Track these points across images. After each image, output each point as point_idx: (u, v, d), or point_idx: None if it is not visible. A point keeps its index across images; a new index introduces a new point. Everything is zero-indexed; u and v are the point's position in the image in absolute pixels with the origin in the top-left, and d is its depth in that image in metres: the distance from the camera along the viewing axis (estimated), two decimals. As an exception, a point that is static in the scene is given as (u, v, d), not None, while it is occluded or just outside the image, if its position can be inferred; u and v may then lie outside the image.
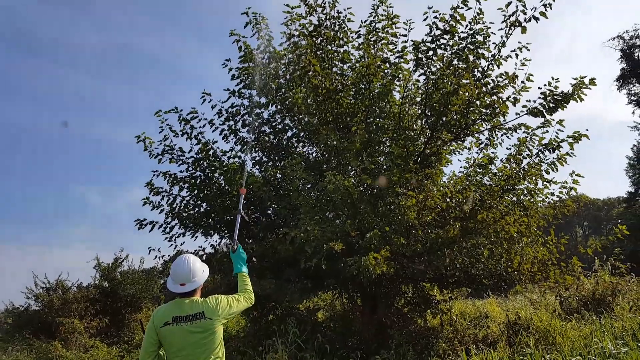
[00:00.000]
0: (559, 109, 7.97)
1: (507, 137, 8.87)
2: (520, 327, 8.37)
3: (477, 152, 9.30)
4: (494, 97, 8.20)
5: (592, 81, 7.76)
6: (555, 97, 7.88)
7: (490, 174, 8.71)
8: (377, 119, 8.85)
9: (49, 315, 13.97)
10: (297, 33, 8.96)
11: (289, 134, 9.80)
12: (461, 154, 9.57)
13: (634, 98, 32.67)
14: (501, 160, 8.68)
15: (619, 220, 43.41)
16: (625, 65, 31.92)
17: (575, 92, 7.80)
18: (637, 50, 31.67)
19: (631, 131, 34.32)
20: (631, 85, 32.57)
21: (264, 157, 9.92)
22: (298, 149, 9.85)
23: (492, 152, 9.02)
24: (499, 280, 8.59)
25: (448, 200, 8.11)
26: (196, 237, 9.42)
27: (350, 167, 8.44)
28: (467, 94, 7.88)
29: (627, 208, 35.47)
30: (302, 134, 9.50)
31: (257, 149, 9.79)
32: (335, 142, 8.07)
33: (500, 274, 8.39)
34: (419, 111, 8.97)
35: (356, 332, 9.10)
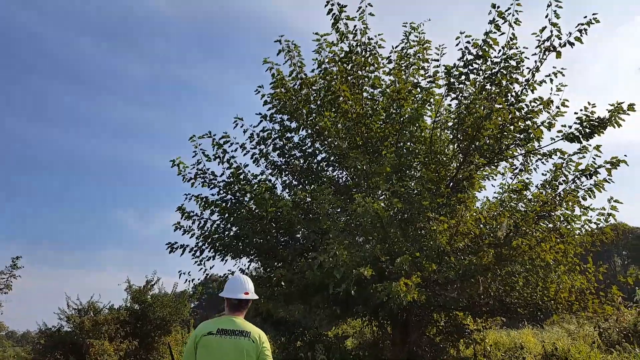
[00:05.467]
0: (596, 135, 7.80)
1: (542, 162, 8.72)
2: (557, 359, 8.04)
3: (511, 178, 9.16)
4: (528, 122, 8.09)
5: (631, 107, 7.57)
6: (592, 122, 7.72)
7: (525, 200, 8.53)
8: (408, 143, 8.81)
9: (80, 337, 14.14)
10: (328, 60, 9.08)
11: (319, 157, 9.83)
12: (495, 180, 9.44)
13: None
14: (536, 186, 8.52)
15: (661, 251, 41.68)
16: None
17: (613, 118, 7.63)
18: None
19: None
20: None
21: (293, 180, 9.95)
22: (327, 173, 9.85)
23: (527, 178, 8.90)
24: (535, 310, 8.31)
25: (481, 226, 7.94)
26: (226, 260, 9.46)
27: (380, 191, 8.37)
28: (500, 119, 7.80)
29: (668, 238, 34.09)
30: (331, 157, 9.52)
31: (287, 172, 9.85)
32: (364, 166, 8.04)
33: (536, 303, 8.12)
34: (451, 135, 8.89)
35: (386, 360, 8.89)
